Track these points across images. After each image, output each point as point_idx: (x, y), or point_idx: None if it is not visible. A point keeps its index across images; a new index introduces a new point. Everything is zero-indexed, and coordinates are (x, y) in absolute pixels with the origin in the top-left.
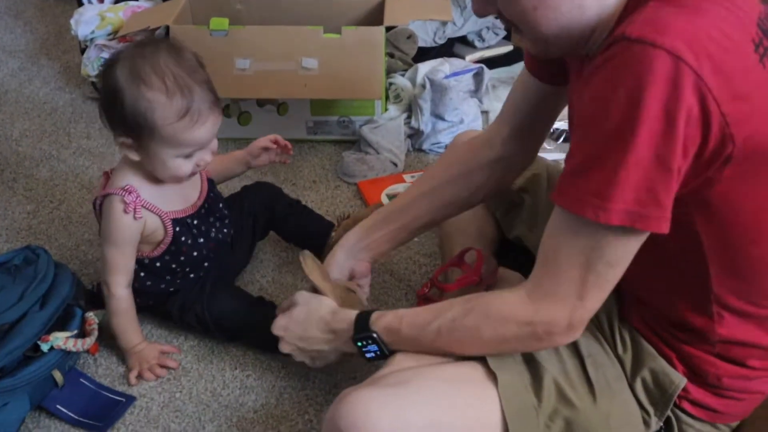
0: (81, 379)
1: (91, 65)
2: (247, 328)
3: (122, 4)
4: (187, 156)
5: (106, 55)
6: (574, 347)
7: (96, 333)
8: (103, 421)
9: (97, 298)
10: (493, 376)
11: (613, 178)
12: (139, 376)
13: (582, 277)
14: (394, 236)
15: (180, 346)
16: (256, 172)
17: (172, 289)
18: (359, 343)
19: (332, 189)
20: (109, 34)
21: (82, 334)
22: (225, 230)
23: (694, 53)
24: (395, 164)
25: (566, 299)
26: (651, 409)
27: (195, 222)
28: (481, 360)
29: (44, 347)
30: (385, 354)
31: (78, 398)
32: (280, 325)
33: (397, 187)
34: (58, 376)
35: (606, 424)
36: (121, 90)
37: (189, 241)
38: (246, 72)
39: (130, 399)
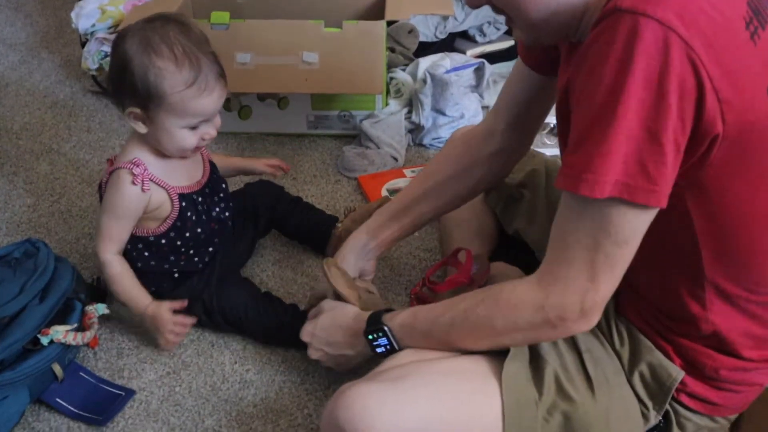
0: (81, 373)
1: (92, 59)
2: (253, 320)
3: None
4: (193, 128)
5: (106, 48)
6: (573, 342)
7: (96, 326)
8: (103, 415)
9: (97, 291)
10: (493, 369)
11: (602, 151)
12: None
13: (591, 258)
14: (399, 234)
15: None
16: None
17: (175, 271)
18: (370, 336)
19: (333, 183)
20: (110, 28)
21: (82, 327)
22: (227, 212)
23: (685, 25)
24: (396, 159)
25: (576, 282)
26: (650, 403)
27: (200, 199)
28: (482, 354)
29: (44, 340)
30: (395, 349)
31: (78, 392)
32: (307, 332)
33: (398, 182)
34: (57, 369)
35: (605, 418)
36: (132, 59)
37: (194, 218)
38: (247, 66)
39: (130, 393)
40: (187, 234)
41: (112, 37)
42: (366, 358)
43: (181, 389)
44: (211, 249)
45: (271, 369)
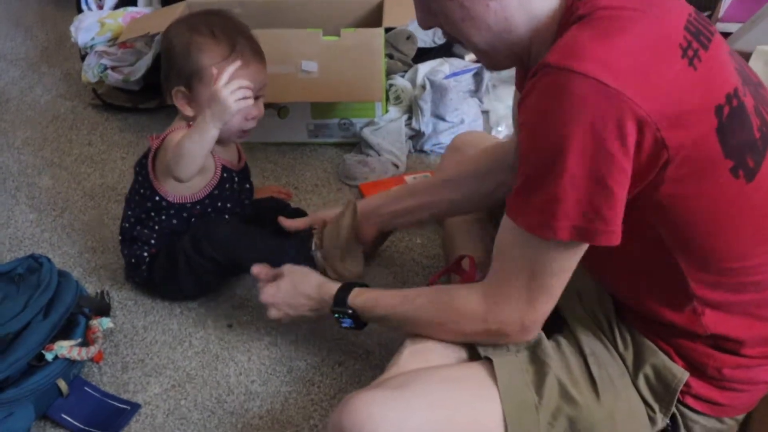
0: (86, 388)
1: (92, 72)
2: (246, 246)
3: (121, 10)
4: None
5: (106, 61)
6: (577, 345)
7: (100, 341)
8: (109, 430)
9: (102, 305)
10: (494, 373)
11: (555, 198)
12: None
13: (528, 286)
14: (410, 211)
15: (184, 352)
16: (258, 177)
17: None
18: (336, 315)
19: (334, 192)
20: (109, 41)
21: (86, 342)
22: (248, 203)
23: (612, 73)
24: (396, 166)
25: (517, 303)
26: (656, 406)
27: (236, 178)
28: (485, 359)
29: (48, 356)
30: (360, 326)
31: (83, 407)
32: (269, 294)
33: (400, 189)
34: (62, 385)
35: (611, 420)
36: (175, 40)
37: (228, 192)
38: None
39: (135, 407)
40: (219, 204)
41: (112, 50)
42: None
43: (186, 402)
44: None
45: (276, 380)
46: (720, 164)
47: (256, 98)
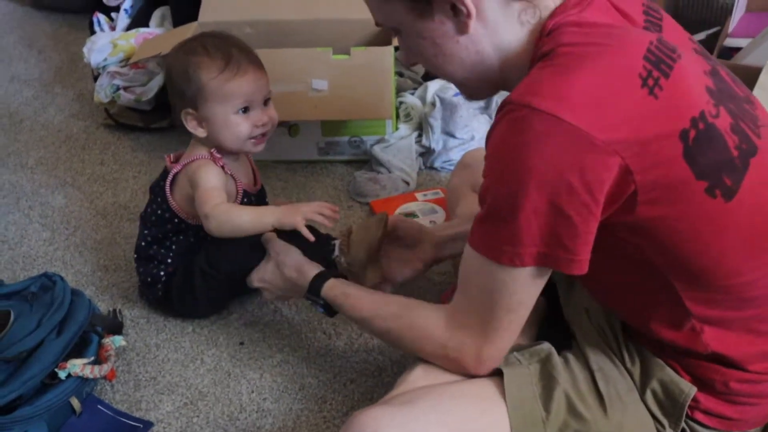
0: (98, 406)
1: (104, 92)
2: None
3: (134, 31)
4: (242, 111)
5: (118, 82)
6: (585, 361)
7: (113, 359)
8: None
9: (114, 323)
10: (501, 392)
11: (518, 227)
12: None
13: (487, 319)
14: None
15: (196, 370)
16: (269, 195)
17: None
18: (308, 301)
19: (345, 209)
20: (121, 61)
21: (99, 360)
22: None
23: (569, 108)
24: (407, 183)
25: (476, 336)
26: (665, 421)
27: (254, 201)
28: (491, 376)
29: (62, 374)
30: (331, 314)
31: (96, 425)
32: (257, 278)
33: (410, 206)
34: (75, 403)
35: None
36: (173, 65)
37: None
38: None
39: (148, 425)
40: None
41: (124, 70)
42: None
43: (198, 420)
44: None
45: (288, 397)
46: (693, 185)
47: (264, 103)
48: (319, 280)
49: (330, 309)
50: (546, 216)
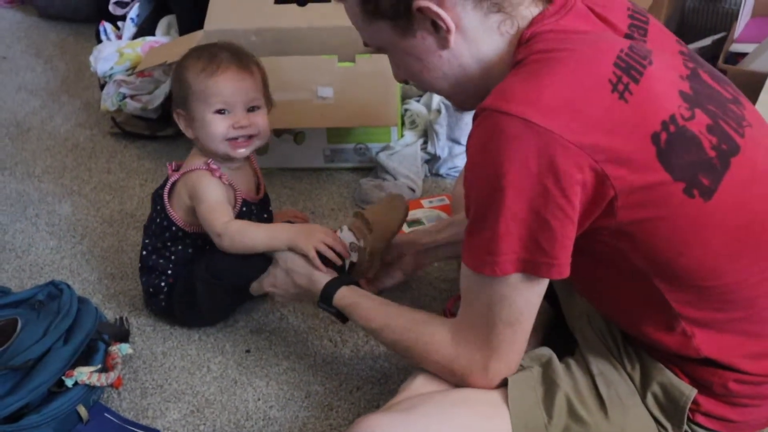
0: (105, 414)
1: (111, 101)
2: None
3: (140, 40)
4: (219, 112)
5: (124, 90)
6: (585, 365)
7: (119, 367)
8: None
9: (121, 331)
10: (503, 397)
11: (496, 235)
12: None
13: (489, 336)
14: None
15: (203, 378)
16: (275, 202)
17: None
18: (320, 307)
19: (351, 216)
20: (128, 70)
21: (106, 368)
22: None
23: (539, 111)
24: (413, 190)
25: (481, 351)
26: (668, 424)
27: (254, 210)
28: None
29: (69, 382)
30: (344, 320)
31: None
32: (269, 283)
33: (416, 213)
34: (82, 411)
35: None
36: (173, 72)
37: None
38: None
39: None
40: None
41: (130, 79)
42: None
43: (205, 428)
44: None
45: (294, 405)
46: (670, 186)
47: (250, 110)
48: (330, 288)
49: (342, 316)
50: (523, 221)
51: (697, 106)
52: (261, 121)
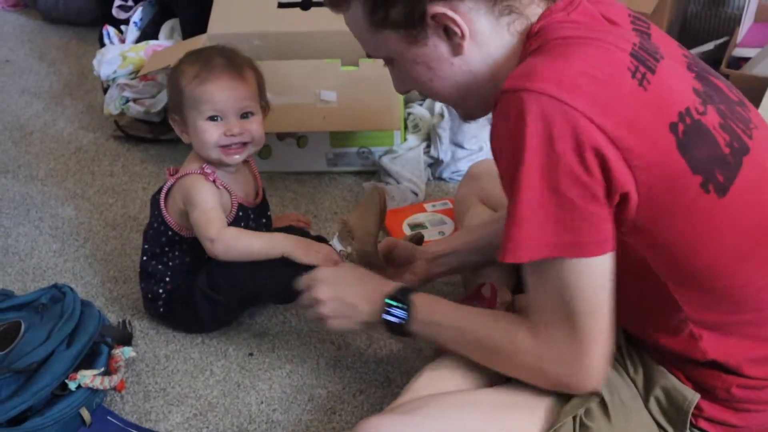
0: (108, 417)
1: (114, 104)
2: (262, 282)
3: (143, 43)
4: (212, 119)
5: (127, 94)
6: None
7: (123, 370)
8: None
9: (124, 334)
10: (504, 400)
11: (520, 219)
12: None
13: (570, 331)
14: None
15: (206, 381)
16: (278, 206)
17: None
18: (389, 300)
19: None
20: (131, 74)
21: (109, 371)
22: None
23: (564, 89)
24: (416, 194)
25: (565, 347)
26: (670, 429)
27: (251, 215)
28: (498, 385)
29: (72, 385)
30: (402, 330)
31: None
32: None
33: (419, 217)
34: (85, 414)
35: None
36: (169, 77)
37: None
38: None
39: None
40: None
41: (133, 82)
42: (365, 326)
43: (208, 431)
44: None
45: (297, 408)
46: (688, 179)
47: (243, 117)
48: (406, 287)
49: (407, 317)
50: (549, 203)
51: (709, 102)
52: (255, 127)
